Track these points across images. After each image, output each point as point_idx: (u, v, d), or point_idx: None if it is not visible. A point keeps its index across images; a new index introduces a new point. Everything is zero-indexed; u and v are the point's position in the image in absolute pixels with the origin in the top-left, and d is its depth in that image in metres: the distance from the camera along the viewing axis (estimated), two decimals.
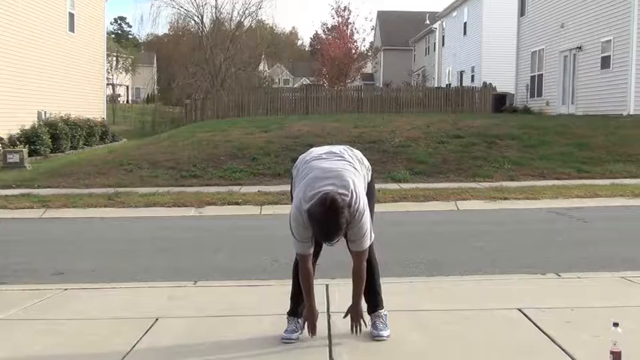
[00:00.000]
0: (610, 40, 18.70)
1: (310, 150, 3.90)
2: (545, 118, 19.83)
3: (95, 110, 24.59)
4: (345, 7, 41.34)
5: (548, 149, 14.02)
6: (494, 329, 3.97)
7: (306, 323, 3.74)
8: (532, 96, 24.56)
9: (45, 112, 20.07)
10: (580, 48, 20.57)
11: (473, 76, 31.75)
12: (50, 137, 18.47)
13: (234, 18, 38.18)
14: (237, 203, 10.57)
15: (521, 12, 25.99)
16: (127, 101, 53.92)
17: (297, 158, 3.90)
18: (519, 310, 4.28)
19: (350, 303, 3.74)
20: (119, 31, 74.30)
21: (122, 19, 77.49)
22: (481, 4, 30.11)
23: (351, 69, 41.11)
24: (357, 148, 3.99)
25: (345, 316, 3.77)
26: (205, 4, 44.24)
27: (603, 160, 13.23)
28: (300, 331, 3.81)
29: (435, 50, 41.76)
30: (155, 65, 56.86)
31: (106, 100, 29.16)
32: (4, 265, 6.63)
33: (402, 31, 48.97)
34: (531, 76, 24.75)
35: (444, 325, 4.04)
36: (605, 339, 3.26)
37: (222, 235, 8.58)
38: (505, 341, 3.75)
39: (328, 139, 14.20)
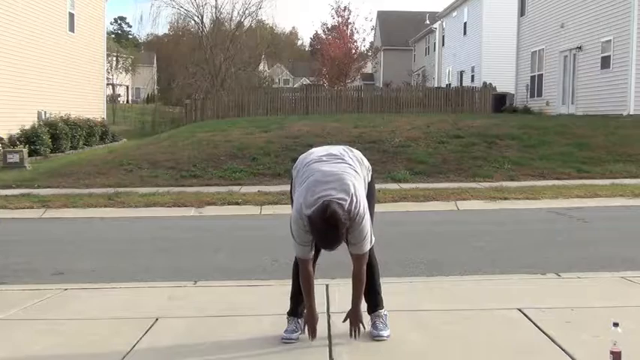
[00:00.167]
0: (610, 40, 18.70)
1: (310, 151, 3.89)
2: (545, 118, 19.83)
3: (95, 110, 24.59)
4: (345, 7, 41.41)
5: (548, 149, 14.01)
6: (494, 329, 3.97)
7: (306, 327, 3.73)
8: (532, 96, 24.56)
9: (45, 112, 20.07)
10: (580, 48, 20.57)
11: (473, 76, 31.76)
12: (50, 137, 18.47)
13: (234, 18, 38.23)
14: (237, 203, 10.57)
15: (521, 12, 25.99)
16: (127, 101, 53.92)
17: (297, 158, 3.90)
18: (519, 310, 4.28)
19: (350, 303, 3.74)
20: (119, 31, 74.34)
21: (122, 19, 77.57)
22: (481, 4, 30.11)
23: (351, 69, 41.12)
24: (357, 148, 3.98)
25: (344, 320, 3.76)
26: (205, 4, 44.30)
27: (603, 160, 13.23)
28: (300, 331, 3.81)
29: (435, 50, 41.76)
30: (155, 65, 56.86)
31: (106, 100, 29.16)
32: (4, 265, 6.63)
33: (402, 31, 48.97)
34: (531, 76, 24.75)
35: (444, 325, 4.04)
36: (605, 339, 3.26)
37: (222, 235, 8.58)
38: (505, 341, 3.75)
39: (328, 139, 14.20)
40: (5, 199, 11.04)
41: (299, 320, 3.84)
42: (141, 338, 3.90)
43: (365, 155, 3.93)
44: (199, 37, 37.40)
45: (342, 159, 3.70)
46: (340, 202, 3.41)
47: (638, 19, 17.37)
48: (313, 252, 3.64)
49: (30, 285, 5.51)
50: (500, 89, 26.83)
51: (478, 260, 6.42)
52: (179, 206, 10.46)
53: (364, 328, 3.75)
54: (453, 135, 15.18)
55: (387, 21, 53.26)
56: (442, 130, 15.72)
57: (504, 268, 5.99)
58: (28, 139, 17.46)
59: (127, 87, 56.91)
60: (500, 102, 25.47)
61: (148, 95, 50.83)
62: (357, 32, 46.39)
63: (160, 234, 8.69)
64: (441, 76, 39.62)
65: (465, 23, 33.34)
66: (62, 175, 13.38)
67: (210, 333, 4.02)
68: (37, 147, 17.57)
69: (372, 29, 51.72)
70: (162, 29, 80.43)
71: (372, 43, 49.72)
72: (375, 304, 3.87)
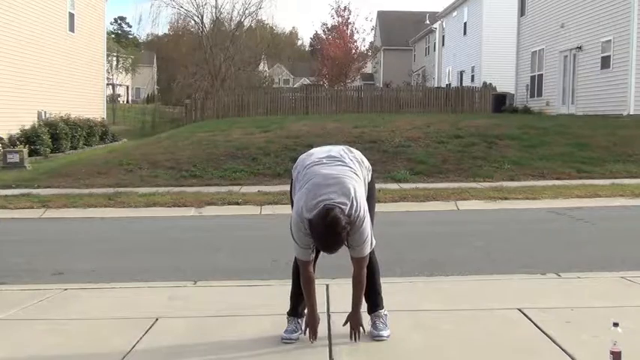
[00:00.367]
0: (610, 40, 18.69)
1: (310, 152, 3.88)
2: (545, 118, 19.82)
3: (95, 110, 24.59)
4: (345, 7, 41.42)
5: (548, 149, 14.01)
6: (494, 329, 3.97)
7: (308, 328, 3.73)
8: (532, 96, 24.56)
9: (45, 112, 20.07)
10: (580, 48, 20.57)
11: (473, 76, 31.76)
12: (50, 137, 18.47)
13: (234, 18, 38.22)
14: (237, 203, 10.57)
15: (521, 12, 25.99)
16: (127, 101, 53.90)
17: (297, 158, 3.89)
18: (519, 310, 4.27)
19: (350, 303, 3.73)
20: (119, 31, 74.19)
21: (122, 19, 77.44)
22: (481, 4, 30.11)
23: (351, 69, 41.12)
24: (357, 148, 3.98)
25: (344, 324, 3.76)
26: (205, 4, 44.35)
27: (603, 160, 13.23)
28: (300, 331, 3.81)
29: (435, 50, 41.76)
30: (155, 65, 56.86)
31: (106, 100, 29.18)
32: (4, 265, 6.63)
33: (402, 31, 48.97)
34: (531, 76, 24.75)
35: (444, 325, 4.04)
36: (605, 339, 3.25)
37: (222, 235, 8.58)
38: (505, 341, 3.74)
39: (328, 139, 14.19)
40: (5, 199, 11.04)
41: (299, 320, 3.84)
42: (141, 338, 3.90)
43: (365, 155, 3.92)
44: (199, 37, 37.39)
45: (343, 161, 3.69)
46: (341, 206, 3.41)
47: (638, 19, 17.37)
48: (314, 254, 3.64)
49: (30, 285, 5.50)
50: (500, 89, 26.83)
51: (478, 260, 6.42)
52: (179, 206, 10.46)
53: (364, 331, 3.76)
54: (453, 135, 15.17)
55: (387, 21, 53.25)
56: (442, 130, 15.71)
57: (504, 268, 5.99)
58: (28, 139, 17.46)
59: (127, 87, 56.89)
60: (501, 102, 25.46)
61: (148, 95, 50.84)
62: (357, 32, 46.42)
63: (160, 234, 8.69)
64: (441, 76, 39.62)
65: (465, 23, 33.34)
66: (62, 175, 13.38)
67: (210, 333, 4.02)
68: (37, 147, 17.57)
69: (372, 29, 51.77)
70: (162, 29, 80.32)
71: (372, 43, 49.70)
72: (375, 304, 3.87)
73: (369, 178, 3.83)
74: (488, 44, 29.29)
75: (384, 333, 3.78)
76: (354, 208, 3.46)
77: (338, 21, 41.79)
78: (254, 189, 11.73)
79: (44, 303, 4.84)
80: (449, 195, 10.67)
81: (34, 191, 11.82)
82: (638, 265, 5.82)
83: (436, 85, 36.44)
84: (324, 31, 45.54)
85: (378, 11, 56.55)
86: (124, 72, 50.30)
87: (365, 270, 3.64)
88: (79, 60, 23.56)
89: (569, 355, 3.47)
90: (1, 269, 6.38)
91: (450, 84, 34.25)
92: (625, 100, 17.85)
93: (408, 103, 27.28)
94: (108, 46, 31.57)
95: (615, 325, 3.10)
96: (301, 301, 3.79)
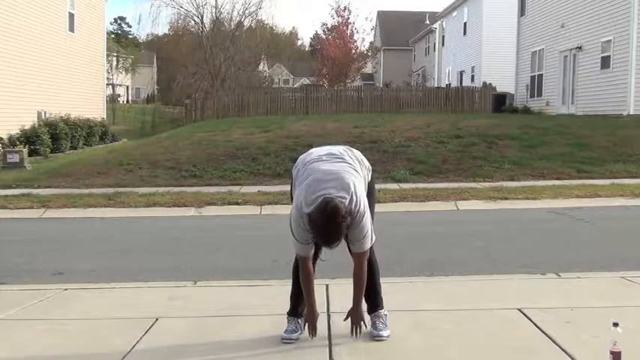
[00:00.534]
0: (610, 40, 18.69)
1: (310, 151, 3.89)
2: (545, 118, 19.82)
3: (95, 110, 24.59)
4: (345, 7, 41.48)
5: (548, 149, 14.01)
6: (494, 329, 3.97)
7: (307, 324, 3.74)
8: (532, 96, 24.56)
9: (45, 112, 20.06)
10: (580, 48, 20.57)
11: (473, 76, 31.76)
12: (50, 137, 18.47)
13: (234, 18, 38.24)
14: (237, 203, 10.57)
15: (521, 12, 25.99)
16: (127, 101, 53.89)
17: (297, 158, 3.90)
18: (519, 310, 4.27)
19: (350, 303, 3.74)
20: (119, 31, 74.19)
21: (122, 19, 77.43)
22: (481, 4, 30.11)
23: (351, 69, 41.15)
24: (357, 148, 3.99)
25: (345, 319, 3.77)
26: (205, 4, 44.36)
27: (603, 160, 13.23)
28: (300, 331, 3.81)
29: (434, 50, 41.76)
30: (155, 65, 56.84)
31: (106, 100, 29.17)
32: (4, 265, 6.63)
33: (401, 31, 48.96)
34: (531, 76, 24.75)
35: (444, 325, 4.04)
36: (605, 339, 3.25)
37: (222, 235, 8.58)
38: (505, 341, 3.75)
39: (328, 139, 14.18)
40: (5, 199, 11.04)
41: (299, 320, 3.84)
42: (141, 338, 3.90)
43: (365, 155, 3.93)
44: (199, 37, 37.40)
45: (342, 158, 3.72)
46: (341, 199, 3.43)
47: (638, 19, 17.37)
48: (313, 250, 3.64)
49: (30, 285, 5.51)
50: (500, 89, 26.83)
51: (478, 260, 6.42)
52: (179, 206, 10.46)
53: (365, 326, 3.76)
54: (452, 135, 15.17)
55: (387, 21, 53.24)
56: (442, 130, 15.71)
57: (504, 268, 5.99)
58: (28, 139, 17.46)
59: (127, 87, 56.88)
60: (500, 102, 25.47)
61: (147, 95, 50.83)
62: (357, 32, 46.58)
63: (160, 234, 8.69)
64: (441, 76, 39.63)
65: (465, 23, 33.34)
66: (62, 175, 13.38)
67: (210, 333, 4.02)
68: (37, 147, 17.57)
69: (371, 29, 51.76)
70: (162, 29, 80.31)
71: (371, 43, 49.73)
72: (375, 304, 3.87)
73: (369, 178, 3.84)
74: (488, 44, 29.30)
75: (384, 333, 3.79)
76: (353, 203, 3.47)
77: (338, 21, 41.86)
78: (254, 189, 11.73)
79: (44, 303, 4.84)
80: (449, 195, 10.67)
81: (34, 191, 11.82)
82: (638, 265, 5.82)
83: (436, 85, 36.44)
84: (324, 31, 45.65)
85: (378, 11, 56.62)
86: (123, 72, 50.32)
87: (365, 265, 3.65)
88: (78, 60, 23.55)
89: (569, 355, 3.47)
90: (1, 269, 6.38)
91: (449, 84, 34.25)
92: (625, 100, 17.85)
93: (408, 103, 27.29)
94: (108, 46, 31.56)
95: (615, 325, 3.10)
96: (301, 301, 3.79)
